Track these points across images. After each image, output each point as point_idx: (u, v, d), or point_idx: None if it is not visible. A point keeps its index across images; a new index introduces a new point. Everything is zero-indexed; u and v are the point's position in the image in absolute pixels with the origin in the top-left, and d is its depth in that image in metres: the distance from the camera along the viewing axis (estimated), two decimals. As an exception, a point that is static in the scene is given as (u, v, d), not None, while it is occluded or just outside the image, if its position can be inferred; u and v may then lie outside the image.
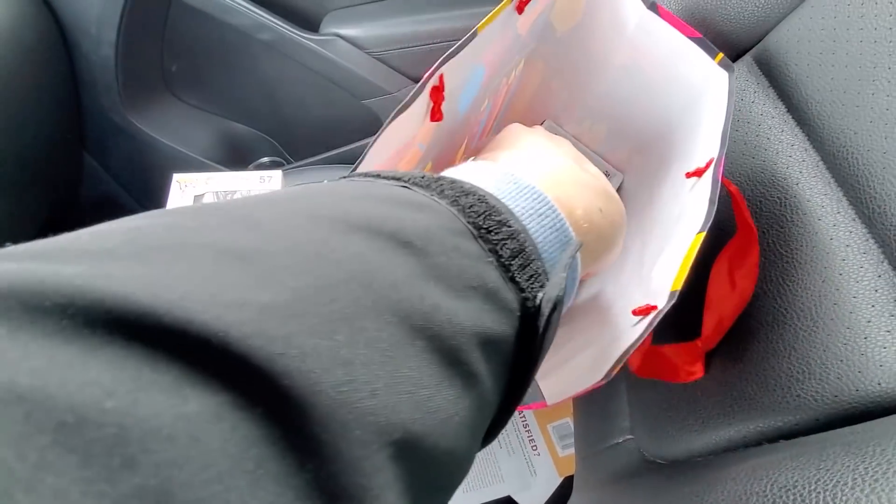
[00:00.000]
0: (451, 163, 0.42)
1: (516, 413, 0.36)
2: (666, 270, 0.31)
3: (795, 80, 0.36)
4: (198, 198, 0.58)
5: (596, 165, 0.31)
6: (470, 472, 0.19)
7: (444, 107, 0.32)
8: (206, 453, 0.10)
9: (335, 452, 0.12)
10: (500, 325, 0.18)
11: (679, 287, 0.29)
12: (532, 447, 0.62)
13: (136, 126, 0.84)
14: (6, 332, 0.10)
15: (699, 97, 0.37)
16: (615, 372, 0.28)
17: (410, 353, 0.15)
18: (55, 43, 0.77)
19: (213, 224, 0.15)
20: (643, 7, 0.37)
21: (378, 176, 0.21)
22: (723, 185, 0.34)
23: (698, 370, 0.35)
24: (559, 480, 0.60)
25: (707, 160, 0.32)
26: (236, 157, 0.90)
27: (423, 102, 0.30)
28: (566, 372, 0.32)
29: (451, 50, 0.30)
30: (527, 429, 0.63)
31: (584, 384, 0.29)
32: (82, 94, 0.83)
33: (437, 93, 0.31)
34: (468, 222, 0.19)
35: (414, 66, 0.78)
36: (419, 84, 0.30)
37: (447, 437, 0.15)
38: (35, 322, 0.10)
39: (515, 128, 0.33)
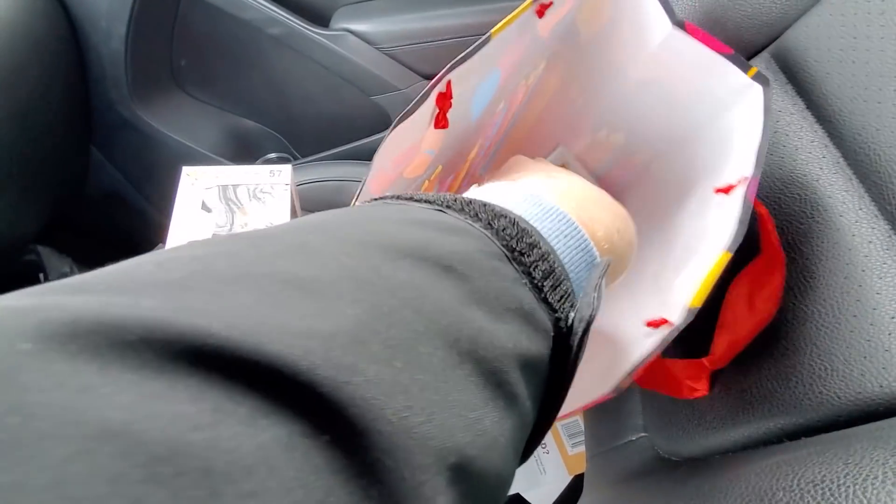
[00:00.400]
0: (461, 164, 0.41)
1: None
2: (686, 285, 0.30)
3: (814, 76, 0.36)
4: (207, 190, 0.57)
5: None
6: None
7: (453, 113, 0.31)
8: (283, 482, 0.10)
9: (398, 478, 0.12)
10: (537, 345, 0.19)
11: (699, 304, 0.28)
12: (541, 445, 0.62)
13: (144, 120, 0.84)
14: (97, 367, 0.10)
15: (727, 109, 0.35)
16: (626, 385, 0.28)
17: (460, 377, 0.15)
18: (65, 36, 0.77)
19: (271, 252, 0.15)
20: (670, 25, 0.34)
21: (411, 199, 0.22)
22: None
23: (702, 388, 0.34)
24: (569, 479, 0.59)
25: (738, 177, 0.31)
26: (244, 153, 0.90)
27: (428, 109, 0.30)
28: (574, 384, 0.32)
29: (460, 56, 0.29)
30: (535, 427, 0.63)
31: (592, 396, 0.29)
32: (91, 88, 0.83)
33: (444, 99, 0.30)
34: (502, 245, 0.20)
35: (424, 63, 0.78)
36: (425, 90, 0.29)
37: (495, 459, 0.16)
38: (123, 356, 0.10)
39: (520, 159, 0.33)
